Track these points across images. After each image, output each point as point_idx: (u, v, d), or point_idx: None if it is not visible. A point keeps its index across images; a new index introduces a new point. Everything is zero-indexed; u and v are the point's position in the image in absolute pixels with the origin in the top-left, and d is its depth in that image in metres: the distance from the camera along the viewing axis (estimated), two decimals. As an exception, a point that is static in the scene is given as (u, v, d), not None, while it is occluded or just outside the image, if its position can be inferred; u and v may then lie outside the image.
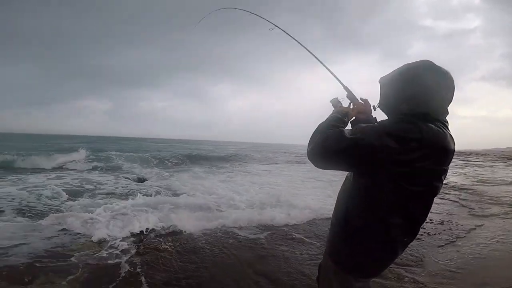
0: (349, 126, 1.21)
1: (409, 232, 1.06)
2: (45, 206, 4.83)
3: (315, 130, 1.06)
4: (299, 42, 1.64)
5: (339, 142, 0.94)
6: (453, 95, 1.02)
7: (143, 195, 5.64)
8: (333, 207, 1.19)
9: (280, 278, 2.61)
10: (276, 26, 1.76)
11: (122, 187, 6.98)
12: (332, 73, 1.42)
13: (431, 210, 1.07)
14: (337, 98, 1.28)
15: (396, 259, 1.13)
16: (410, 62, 1.05)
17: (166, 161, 14.66)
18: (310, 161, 1.01)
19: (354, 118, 1.27)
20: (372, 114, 1.30)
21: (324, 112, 1.21)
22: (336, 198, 1.17)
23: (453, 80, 1.01)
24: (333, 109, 1.25)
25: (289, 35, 1.71)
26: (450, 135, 1.00)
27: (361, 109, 1.27)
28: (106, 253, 3.02)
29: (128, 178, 8.51)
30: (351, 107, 1.28)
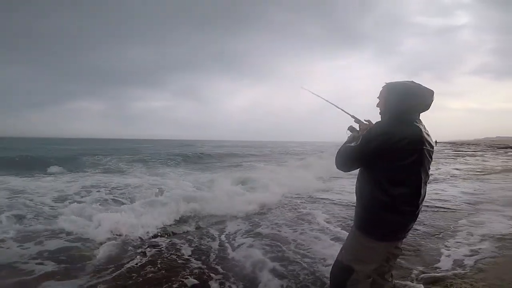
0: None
1: (410, 202, 1.41)
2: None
3: (337, 151, 1.52)
4: (326, 100, 1.89)
5: (351, 152, 1.45)
6: (422, 101, 1.43)
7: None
8: None
9: None
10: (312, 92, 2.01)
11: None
12: (345, 111, 1.73)
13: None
14: (351, 126, 1.67)
15: (407, 228, 1.46)
16: (394, 81, 1.49)
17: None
18: (338, 169, 1.52)
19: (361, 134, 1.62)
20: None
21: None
22: (355, 182, 1.57)
23: (422, 91, 1.42)
24: (349, 132, 1.64)
25: (318, 96, 1.98)
26: (423, 126, 1.45)
27: (366, 128, 1.60)
28: None
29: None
30: (359, 128, 1.65)
